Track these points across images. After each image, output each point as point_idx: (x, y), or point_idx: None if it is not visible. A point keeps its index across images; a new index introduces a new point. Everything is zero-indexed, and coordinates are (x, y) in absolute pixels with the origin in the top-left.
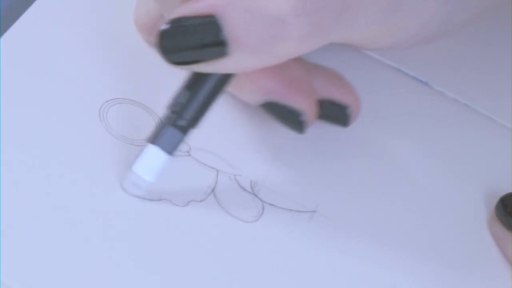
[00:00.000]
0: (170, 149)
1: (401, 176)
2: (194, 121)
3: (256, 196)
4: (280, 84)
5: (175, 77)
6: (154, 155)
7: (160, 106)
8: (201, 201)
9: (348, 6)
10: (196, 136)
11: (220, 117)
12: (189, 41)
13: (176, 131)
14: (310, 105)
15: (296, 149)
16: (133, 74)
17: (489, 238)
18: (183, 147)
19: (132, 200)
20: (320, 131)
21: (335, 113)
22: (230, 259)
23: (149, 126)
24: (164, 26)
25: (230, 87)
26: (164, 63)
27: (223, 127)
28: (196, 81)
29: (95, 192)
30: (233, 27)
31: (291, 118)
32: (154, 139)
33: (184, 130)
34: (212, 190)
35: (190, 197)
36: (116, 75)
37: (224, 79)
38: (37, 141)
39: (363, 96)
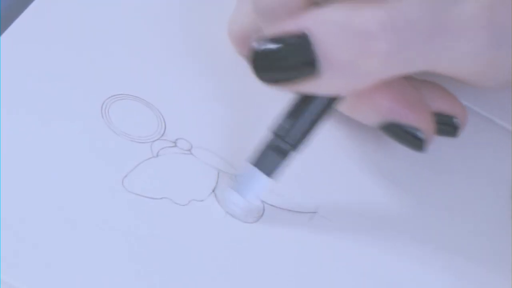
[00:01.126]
0: (270, 172)
1: (401, 177)
2: (296, 146)
3: None
4: (397, 104)
5: (179, 74)
6: (254, 177)
7: (163, 102)
8: (201, 200)
9: (444, 31)
10: (198, 135)
11: (222, 117)
12: (281, 60)
13: (278, 155)
14: (428, 122)
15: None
16: (135, 70)
17: (488, 239)
18: (185, 145)
19: (133, 198)
20: (322, 132)
21: (445, 124)
22: (230, 259)
23: (151, 122)
24: (256, 45)
25: (346, 110)
26: (168, 59)
27: (224, 127)
28: (300, 106)
29: (96, 190)
30: (323, 44)
31: (411, 138)
32: (255, 161)
33: (286, 154)
34: (213, 190)
35: (191, 196)
36: (118, 71)
37: (327, 107)
38: (38, 138)
39: None
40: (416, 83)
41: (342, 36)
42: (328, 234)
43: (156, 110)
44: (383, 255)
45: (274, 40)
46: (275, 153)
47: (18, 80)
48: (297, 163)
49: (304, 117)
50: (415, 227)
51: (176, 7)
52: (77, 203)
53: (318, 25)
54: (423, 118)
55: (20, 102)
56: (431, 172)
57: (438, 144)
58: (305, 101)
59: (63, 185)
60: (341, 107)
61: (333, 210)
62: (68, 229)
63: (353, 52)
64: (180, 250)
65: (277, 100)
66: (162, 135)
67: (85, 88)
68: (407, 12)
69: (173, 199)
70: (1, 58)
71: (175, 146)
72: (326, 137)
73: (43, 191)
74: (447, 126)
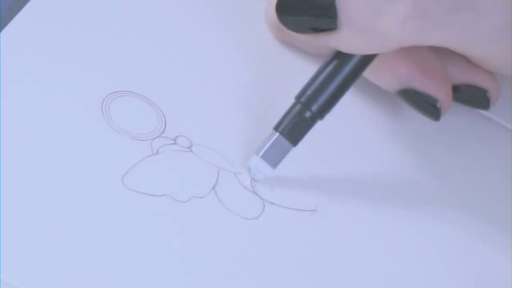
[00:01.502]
0: (296, 141)
1: (401, 176)
2: (322, 115)
3: (256, 194)
4: (417, 71)
5: (179, 70)
6: (281, 146)
7: (164, 99)
8: (202, 197)
9: (466, 9)
10: (198, 133)
11: (222, 114)
12: (304, 8)
13: (305, 124)
14: (446, 93)
15: (297, 149)
16: (135, 67)
17: (489, 237)
18: (185, 142)
19: (134, 196)
20: (321, 130)
21: (475, 97)
22: (230, 256)
23: (152, 120)
24: None
25: (368, 74)
26: (169, 56)
27: (224, 124)
28: (325, 76)
29: (96, 187)
30: (345, 1)
31: (427, 106)
32: (282, 131)
33: (312, 123)
34: (213, 187)
35: (192, 193)
36: (118, 68)
37: (353, 76)
38: (38, 136)
39: (363, 94)
40: (445, 54)
41: None
42: (328, 231)
43: (156, 108)
44: (383, 253)
45: None
46: (302, 122)
47: (17, 77)
48: (297, 162)
49: (330, 87)
50: (415, 225)
51: (178, 5)
52: (77, 201)
53: None
54: (441, 87)
55: (19, 99)
56: (430, 172)
57: (438, 143)
58: (331, 70)
59: (63, 183)
60: (365, 72)
61: (333, 208)
62: (68, 227)
63: (371, 12)
64: (180, 247)
65: (276, 97)
66: (162, 132)
67: (85, 85)
68: None
69: (173, 196)
70: (1, 55)
71: (175, 143)
72: (326, 135)
73: (43, 189)
74: (478, 98)
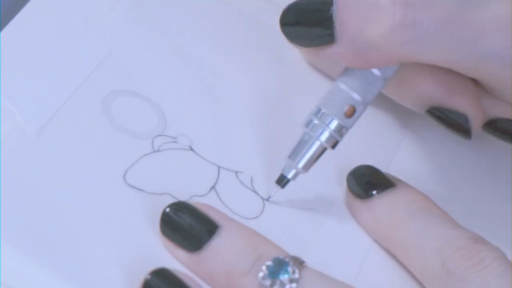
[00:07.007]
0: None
1: (401, 173)
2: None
3: (257, 193)
4: (443, 87)
5: (180, 71)
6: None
7: (164, 98)
8: (202, 196)
9: (464, 25)
10: (199, 132)
11: (223, 114)
12: (303, 20)
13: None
14: (476, 108)
15: None
16: (136, 66)
17: (489, 236)
18: (186, 141)
19: (135, 194)
20: None
21: (454, 121)
22: None
23: (152, 118)
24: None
25: (393, 95)
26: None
27: (225, 123)
28: None
29: (98, 186)
30: (340, 9)
31: (457, 123)
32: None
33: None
34: (214, 186)
35: (192, 192)
36: (119, 67)
37: None
38: (38, 134)
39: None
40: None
41: (356, 5)
42: (327, 230)
43: (157, 106)
44: (381, 251)
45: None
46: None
47: (18, 76)
48: None
49: None
50: None
51: (179, 5)
52: (78, 200)
53: None
54: (469, 102)
55: (20, 99)
56: (432, 170)
57: (440, 141)
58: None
59: (64, 181)
60: (388, 91)
61: (333, 207)
62: (69, 226)
63: (362, 21)
64: None
65: (276, 99)
66: (163, 131)
67: (86, 84)
68: None
69: (174, 195)
70: (1, 54)
71: (176, 142)
72: None
73: (43, 188)
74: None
